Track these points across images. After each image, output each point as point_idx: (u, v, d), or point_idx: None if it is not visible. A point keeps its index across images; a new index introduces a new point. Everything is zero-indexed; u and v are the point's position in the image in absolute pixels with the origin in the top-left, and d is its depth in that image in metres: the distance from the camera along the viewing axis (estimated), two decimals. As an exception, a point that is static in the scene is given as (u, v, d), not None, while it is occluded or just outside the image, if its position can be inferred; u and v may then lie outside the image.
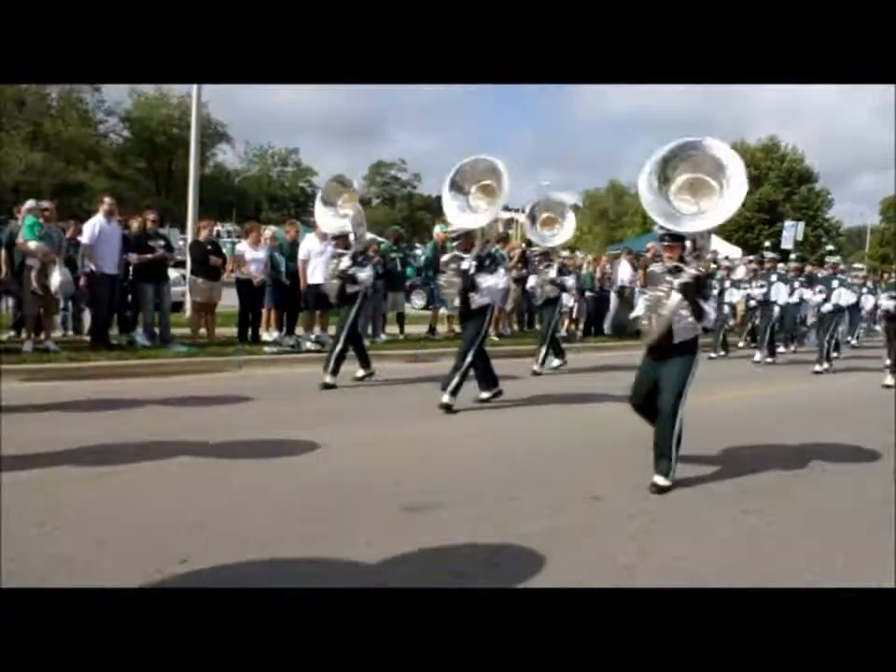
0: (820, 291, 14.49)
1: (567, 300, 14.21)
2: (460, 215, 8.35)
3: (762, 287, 15.12)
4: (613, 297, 16.82)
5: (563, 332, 15.74)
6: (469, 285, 8.04)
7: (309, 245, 12.12)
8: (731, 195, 5.35)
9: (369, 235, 10.46)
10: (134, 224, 11.35)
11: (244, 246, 12.32)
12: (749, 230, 43.61)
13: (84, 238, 10.46)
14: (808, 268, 20.98)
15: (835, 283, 14.42)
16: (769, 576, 4.28)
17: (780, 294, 14.82)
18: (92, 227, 10.36)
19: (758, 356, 14.81)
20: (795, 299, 15.33)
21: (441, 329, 14.72)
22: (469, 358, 8.18)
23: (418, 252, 21.81)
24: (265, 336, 12.17)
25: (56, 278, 9.66)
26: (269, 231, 13.59)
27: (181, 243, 19.73)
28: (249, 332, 12.04)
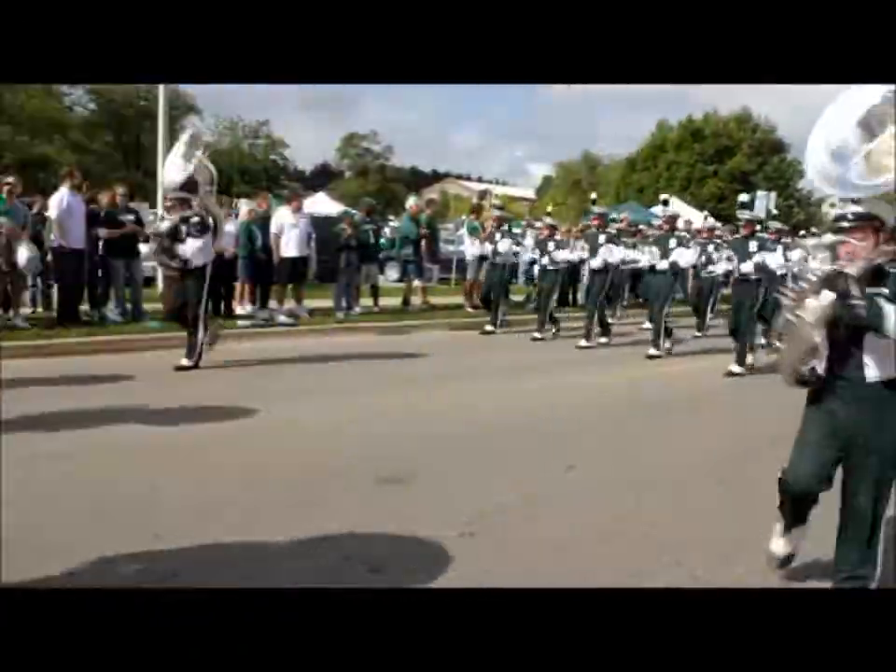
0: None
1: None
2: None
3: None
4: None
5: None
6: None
7: (281, 218, 12.03)
8: None
9: (339, 207, 9.88)
10: (104, 198, 11.17)
11: (214, 220, 12.17)
12: (722, 200, 43.77)
13: (52, 212, 10.26)
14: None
15: (672, 241, 11.31)
16: (741, 542, 4.36)
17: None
18: (60, 200, 10.17)
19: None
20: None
21: (416, 301, 14.68)
22: None
23: (392, 224, 21.71)
24: (238, 310, 12.08)
25: (22, 254, 9.47)
26: (244, 206, 13.44)
27: (151, 217, 19.46)
28: (222, 306, 11.94)
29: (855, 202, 3.22)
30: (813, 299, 3.18)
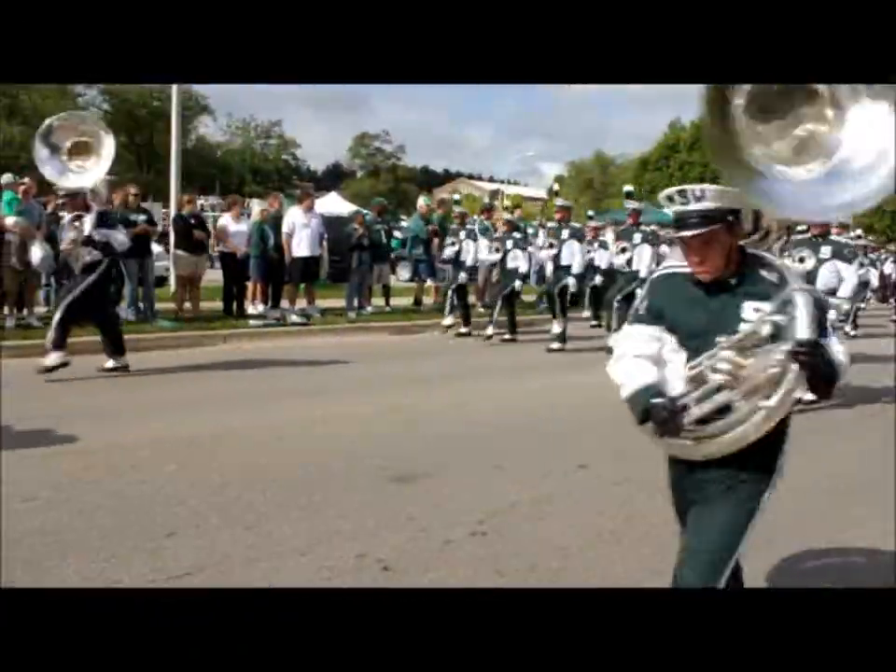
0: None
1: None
2: (53, 173, 7.85)
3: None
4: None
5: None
6: (86, 242, 7.61)
7: (293, 218, 12.07)
8: None
9: (351, 207, 9.96)
10: (116, 198, 11.23)
11: (226, 220, 12.26)
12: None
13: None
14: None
15: (638, 236, 10.68)
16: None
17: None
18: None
19: None
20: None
21: (427, 300, 14.69)
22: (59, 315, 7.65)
23: (403, 224, 21.71)
24: (250, 309, 12.14)
25: (36, 253, 9.55)
26: (256, 206, 13.51)
27: (164, 217, 19.56)
28: (234, 306, 12.00)
29: (699, 197, 2.51)
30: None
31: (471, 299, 13.27)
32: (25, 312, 10.15)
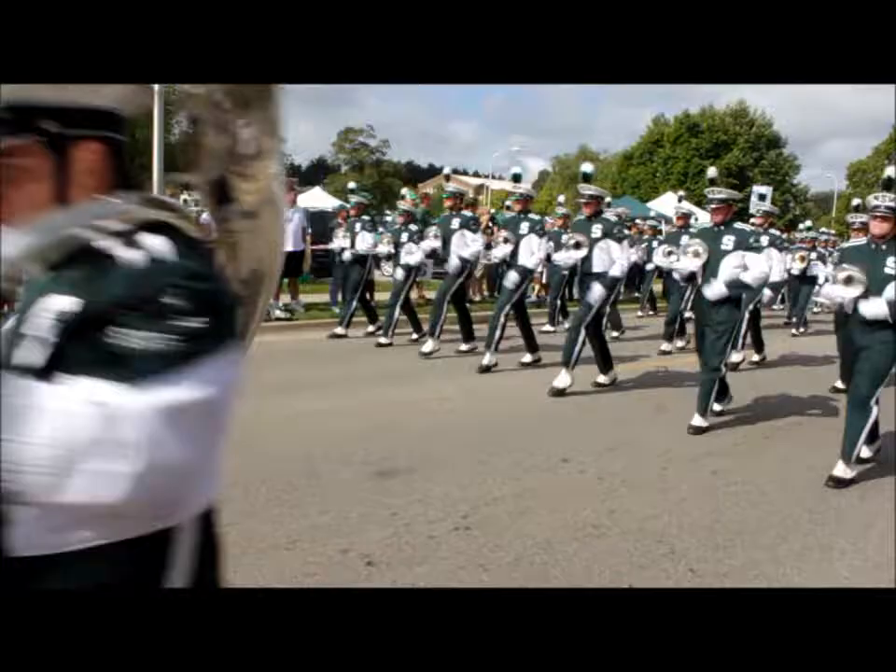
0: None
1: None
2: None
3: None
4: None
5: (533, 297, 15.78)
6: None
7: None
8: None
9: (335, 201, 9.65)
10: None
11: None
12: (719, 194, 43.84)
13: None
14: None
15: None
16: (732, 531, 4.38)
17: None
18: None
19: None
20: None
21: (413, 295, 14.66)
22: None
23: (387, 219, 21.67)
24: (234, 305, 12.08)
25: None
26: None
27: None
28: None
29: None
30: None
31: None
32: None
